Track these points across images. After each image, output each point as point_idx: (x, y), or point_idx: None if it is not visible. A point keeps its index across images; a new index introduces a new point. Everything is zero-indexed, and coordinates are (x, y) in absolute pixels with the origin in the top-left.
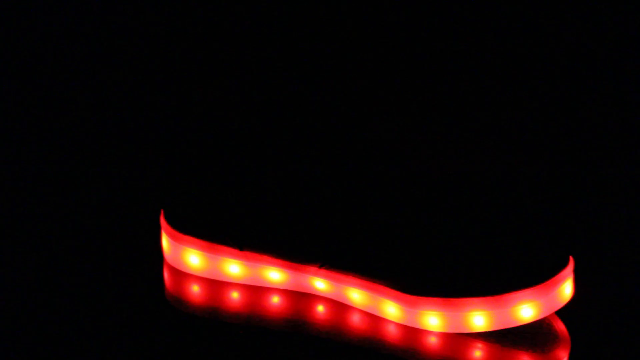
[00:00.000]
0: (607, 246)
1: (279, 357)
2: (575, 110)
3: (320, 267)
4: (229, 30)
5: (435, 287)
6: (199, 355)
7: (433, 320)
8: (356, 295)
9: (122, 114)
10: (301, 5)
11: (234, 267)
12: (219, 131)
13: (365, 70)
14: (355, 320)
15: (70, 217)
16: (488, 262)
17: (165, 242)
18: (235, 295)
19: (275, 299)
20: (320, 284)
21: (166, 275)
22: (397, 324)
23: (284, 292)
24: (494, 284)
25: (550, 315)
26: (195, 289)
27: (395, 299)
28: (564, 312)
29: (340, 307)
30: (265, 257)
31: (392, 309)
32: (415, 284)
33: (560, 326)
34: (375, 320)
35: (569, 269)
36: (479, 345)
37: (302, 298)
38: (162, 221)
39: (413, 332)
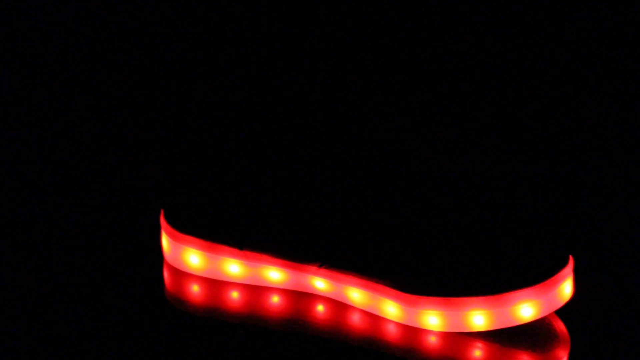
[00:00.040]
0: (607, 246)
1: (279, 357)
2: (575, 110)
3: (320, 266)
4: (229, 30)
5: (435, 286)
6: (199, 355)
7: (433, 319)
8: (356, 294)
9: (122, 114)
10: (301, 5)
11: (233, 267)
12: (219, 131)
13: (365, 70)
14: (355, 319)
15: (71, 217)
16: (488, 261)
17: (165, 241)
18: (235, 294)
19: (275, 299)
20: (320, 283)
21: (166, 275)
22: (397, 324)
23: (284, 292)
24: (494, 283)
25: (550, 314)
26: (195, 288)
27: (395, 299)
28: (563, 312)
29: (340, 306)
30: (265, 256)
31: (392, 309)
32: (415, 283)
33: (560, 326)
34: (375, 319)
35: (569, 268)
36: (479, 345)
37: (302, 298)
38: (162, 221)
39: (413, 332)
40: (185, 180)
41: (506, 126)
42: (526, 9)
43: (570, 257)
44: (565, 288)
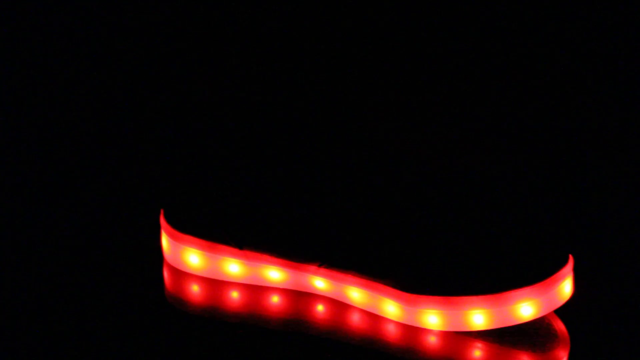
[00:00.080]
0: (607, 245)
1: (279, 357)
2: (575, 110)
3: (320, 266)
4: (229, 30)
5: (435, 285)
6: (199, 355)
7: (433, 318)
8: (356, 294)
9: (122, 114)
10: (301, 5)
11: (233, 267)
12: (219, 131)
13: (365, 70)
14: (355, 319)
15: (70, 217)
16: (487, 260)
17: (165, 241)
18: (235, 294)
19: (275, 299)
20: (320, 283)
21: (166, 274)
22: (397, 323)
23: (284, 292)
24: (494, 282)
25: (550, 314)
26: (195, 288)
27: (395, 298)
28: (563, 311)
29: (340, 306)
30: (265, 256)
31: (391, 308)
32: (415, 282)
33: (559, 325)
34: (375, 319)
35: (569, 268)
36: (479, 345)
37: (301, 297)
38: (162, 221)
39: (413, 331)
40: (185, 180)
41: (506, 126)
42: (526, 9)
43: (570, 257)
44: (565, 287)
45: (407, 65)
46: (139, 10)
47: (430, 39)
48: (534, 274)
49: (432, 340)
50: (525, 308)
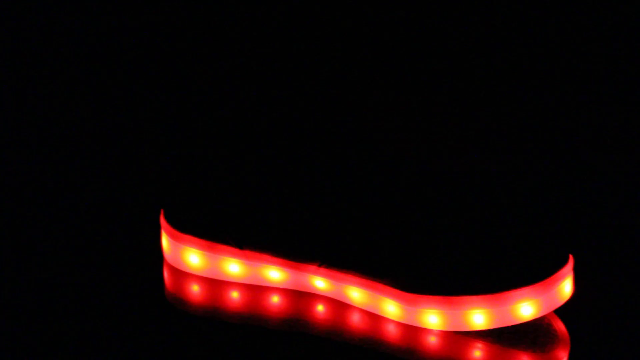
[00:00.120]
0: (607, 245)
1: (279, 357)
2: (575, 110)
3: (320, 265)
4: (229, 30)
5: (435, 285)
6: (199, 355)
7: (433, 318)
8: (356, 293)
9: (122, 114)
10: (301, 5)
11: (233, 266)
12: (219, 130)
13: (365, 70)
14: (355, 319)
15: (70, 217)
16: (488, 260)
17: (165, 241)
18: (235, 294)
19: (275, 298)
20: (320, 282)
21: (166, 274)
22: (397, 323)
23: (284, 291)
24: (494, 282)
25: (550, 314)
26: (195, 288)
27: (395, 298)
28: (563, 311)
29: (340, 305)
30: (265, 256)
31: (391, 308)
32: (415, 282)
33: (559, 325)
34: (375, 318)
35: (569, 267)
36: (479, 345)
37: (302, 297)
38: (162, 220)
39: (413, 331)
40: (185, 180)
41: (506, 126)
42: (526, 8)
43: (570, 256)
44: (565, 287)
45: (407, 65)
46: (139, 10)
47: (430, 39)
48: (534, 273)
49: (432, 340)
50: (526, 308)
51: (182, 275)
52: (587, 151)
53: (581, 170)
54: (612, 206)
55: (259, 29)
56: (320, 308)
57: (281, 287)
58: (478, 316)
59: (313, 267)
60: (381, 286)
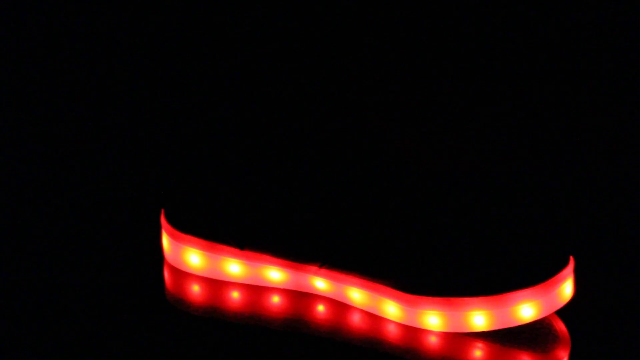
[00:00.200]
0: (607, 246)
1: (279, 357)
2: (576, 110)
3: (321, 266)
4: (229, 30)
5: (436, 286)
6: (199, 355)
7: (433, 319)
8: (356, 294)
9: (123, 114)
10: (300, 5)
11: (234, 267)
12: (219, 131)
13: (365, 70)
14: (356, 319)
15: (71, 217)
16: (488, 261)
17: (165, 241)
18: (235, 294)
19: (276, 299)
20: (320, 283)
21: (166, 274)
22: (398, 324)
23: (285, 292)
24: (495, 283)
25: (550, 315)
26: (195, 288)
27: (396, 299)
28: (564, 312)
29: (340, 306)
30: (265, 256)
31: (392, 309)
32: (416, 283)
33: (560, 326)
34: (376, 319)
35: (569, 269)
36: (479, 345)
37: (302, 298)
38: (163, 220)
39: (413, 332)
40: (186, 180)
41: (506, 126)
42: (526, 8)
43: (571, 258)
44: (566, 288)
45: (407, 65)
46: (139, 10)
47: (430, 39)
48: (535, 275)
49: (433, 340)
50: (526, 309)
51: (182, 275)
52: (587, 153)
53: (582, 172)
54: (613, 208)
55: (259, 29)
56: (320, 309)
57: (282, 287)
58: (478, 317)
59: (314, 268)
60: (382, 287)
